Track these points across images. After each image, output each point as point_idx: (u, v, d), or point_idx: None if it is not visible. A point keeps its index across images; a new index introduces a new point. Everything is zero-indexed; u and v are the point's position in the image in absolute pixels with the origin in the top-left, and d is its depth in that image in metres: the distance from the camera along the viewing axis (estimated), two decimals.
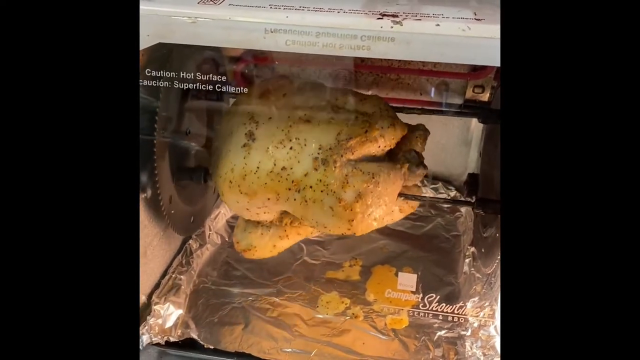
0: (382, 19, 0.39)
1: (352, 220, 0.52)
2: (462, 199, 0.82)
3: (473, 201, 0.63)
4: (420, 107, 0.65)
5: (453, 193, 0.85)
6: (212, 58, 0.61)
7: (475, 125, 0.82)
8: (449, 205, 0.85)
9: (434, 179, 0.87)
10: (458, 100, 0.77)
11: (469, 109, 0.75)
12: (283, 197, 0.53)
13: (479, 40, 0.38)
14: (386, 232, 0.77)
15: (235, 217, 0.82)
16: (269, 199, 0.54)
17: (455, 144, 0.84)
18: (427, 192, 0.86)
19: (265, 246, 0.60)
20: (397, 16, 0.39)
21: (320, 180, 0.51)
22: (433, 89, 0.77)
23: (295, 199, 0.53)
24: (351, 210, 0.52)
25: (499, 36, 0.37)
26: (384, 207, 0.53)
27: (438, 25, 0.38)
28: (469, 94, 0.76)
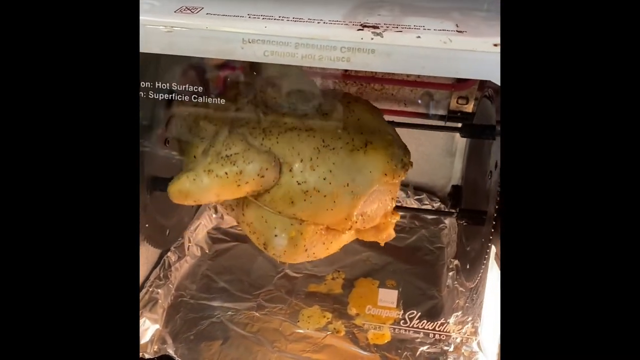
0: (362, 30, 0.38)
1: None
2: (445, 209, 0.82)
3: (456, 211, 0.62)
4: (403, 117, 0.64)
5: (437, 204, 0.85)
6: (196, 64, 0.59)
7: (459, 136, 0.81)
8: (433, 217, 0.84)
9: (419, 189, 0.87)
10: (442, 111, 0.77)
11: (453, 120, 0.74)
12: None
13: (460, 53, 0.37)
14: (369, 243, 0.76)
15: (216, 229, 0.81)
16: None
17: (440, 154, 0.84)
18: (412, 204, 0.85)
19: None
20: (377, 27, 0.38)
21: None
22: (418, 100, 0.77)
23: None
24: None
25: (480, 49, 0.36)
26: None
27: (419, 37, 0.37)
28: (453, 104, 0.75)
